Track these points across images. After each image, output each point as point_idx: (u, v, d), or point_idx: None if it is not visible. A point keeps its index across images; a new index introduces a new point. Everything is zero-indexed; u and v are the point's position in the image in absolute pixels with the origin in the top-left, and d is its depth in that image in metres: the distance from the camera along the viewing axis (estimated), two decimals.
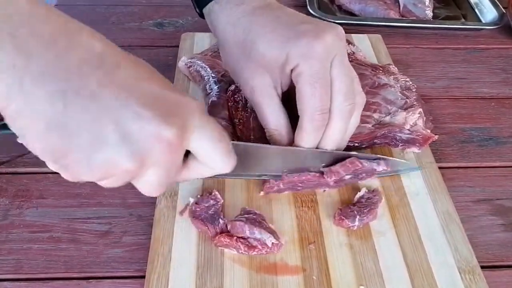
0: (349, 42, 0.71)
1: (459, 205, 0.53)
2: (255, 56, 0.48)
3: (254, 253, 0.46)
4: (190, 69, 0.65)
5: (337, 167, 0.50)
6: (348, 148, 0.53)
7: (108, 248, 0.48)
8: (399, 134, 0.56)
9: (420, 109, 0.59)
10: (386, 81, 0.62)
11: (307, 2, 0.83)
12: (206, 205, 0.49)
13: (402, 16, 0.85)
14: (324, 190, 0.52)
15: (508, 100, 0.69)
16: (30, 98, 0.31)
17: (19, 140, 0.34)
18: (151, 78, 0.36)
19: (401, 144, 0.57)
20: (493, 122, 0.65)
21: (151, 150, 0.34)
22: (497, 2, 0.87)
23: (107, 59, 0.34)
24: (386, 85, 0.62)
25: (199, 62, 0.65)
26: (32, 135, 0.33)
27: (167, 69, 0.70)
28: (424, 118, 0.59)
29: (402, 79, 0.64)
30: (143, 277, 0.45)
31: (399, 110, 0.59)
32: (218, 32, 0.52)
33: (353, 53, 0.69)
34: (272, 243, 0.46)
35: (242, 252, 0.46)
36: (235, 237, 0.46)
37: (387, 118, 0.58)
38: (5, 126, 0.33)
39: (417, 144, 0.56)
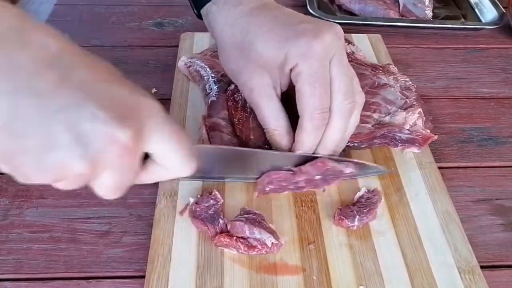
0: (349, 42, 0.71)
1: (459, 205, 0.53)
2: (254, 57, 0.48)
3: (254, 253, 0.46)
4: (190, 69, 0.65)
5: (307, 167, 0.50)
6: (347, 148, 0.53)
7: (108, 248, 0.48)
8: (398, 134, 0.56)
9: (420, 109, 0.59)
10: (386, 81, 0.62)
11: (307, 2, 0.83)
12: (206, 205, 0.49)
13: (402, 16, 0.85)
14: (324, 190, 0.52)
15: (508, 100, 0.69)
16: None
17: None
18: (109, 79, 0.35)
19: (400, 144, 0.57)
20: (492, 122, 0.65)
21: (105, 152, 0.33)
22: (497, 2, 0.87)
23: (63, 59, 0.33)
24: (386, 85, 0.62)
25: (198, 62, 0.65)
26: None
27: (166, 69, 0.71)
28: (424, 118, 0.59)
29: (402, 79, 0.64)
30: (143, 277, 0.45)
31: (399, 110, 0.59)
32: (216, 33, 0.52)
33: (353, 53, 0.69)
34: (272, 243, 0.46)
35: (242, 252, 0.46)
36: (235, 237, 0.46)
37: (387, 118, 0.58)
38: None
39: (416, 144, 0.57)
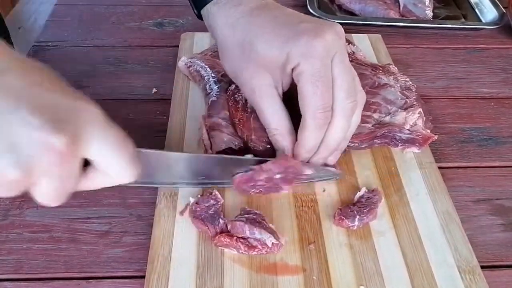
0: (349, 42, 0.71)
1: (459, 205, 0.53)
2: (255, 57, 0.48)
3: (254, 253, 0.46)
4: (190, 69, 0.65)
5: (268, 164, 0.49)
6: (347, 148, 0.53)
7: (108, 248, 0.48)
8: (399, 134, 0.56)
9: (420, 109, 0.59)
10: (386, 81, 0.62)
11: (307, 2, 0.83)
12: (206, 205, 0.49)
13: (402, 16, 0.85)
14: (324, 190, 0.52)
15: (508, 100, 0.69)
16: None
17: None
18: (44, 83, 0.35)
19: (400, 144, 0.57)
20: (492, 122, 0.65)
21: (39, 159, 0.32)
22: (497, 2, 0.87)
23: None
24: (386, 85, 0.62)
25: (199, 62, 0.65)
26: None
27: (167, 69, 0.71)
28: (424, 118, 0.59)
29: (402, 79, 0.64)
30: (143, 277, 0.45)
31: (399, 110, 0.59)
32: (217, 33, 0.52)
33: (353, 53, 0.69)
34: (272, 243, 0.46)
35: (242, 252, 0.46)
36: (235, 237, 0.46)
37: (387, 118, 0.58)
38: None
39: (416, 144, 0.57)
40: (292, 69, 0.47)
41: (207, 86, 0.62)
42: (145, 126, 0.61)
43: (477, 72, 0.75)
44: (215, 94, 0.60)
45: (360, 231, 0.49)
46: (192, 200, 0.50)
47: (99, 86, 0.68)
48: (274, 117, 0.50)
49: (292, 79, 0.48)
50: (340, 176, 0.53)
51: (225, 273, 0.45)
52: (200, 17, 0.55)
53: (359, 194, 0.52)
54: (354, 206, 0.50)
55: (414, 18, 0.85)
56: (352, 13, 0.87)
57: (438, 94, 0.70)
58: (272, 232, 0.46)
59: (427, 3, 0.85)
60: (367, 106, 0.57)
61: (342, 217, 0.48)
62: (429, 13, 0.85)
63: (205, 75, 0.63)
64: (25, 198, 0.52)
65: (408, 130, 0.57)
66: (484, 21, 0.85)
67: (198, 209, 0.48)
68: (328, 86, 0.46)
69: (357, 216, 0.48)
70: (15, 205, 0.51)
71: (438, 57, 0.77)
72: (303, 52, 0.46)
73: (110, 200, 0.52)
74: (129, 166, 0.38)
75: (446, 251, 0.47)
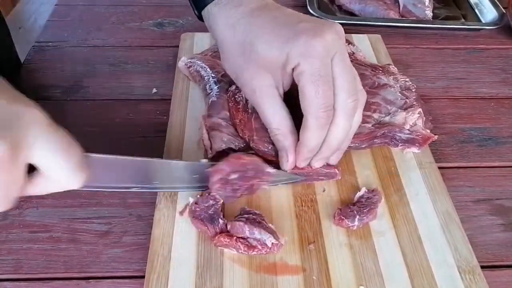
0: (349, 42, 0.71)
1: (459, 205, 0.53)
2: (255, 57, 0.48)
3: (254, 253, 0.46)
4: (190, 69, 0.65)
5: (220, 165, 0.49)
6: (347, 148, 0.53)
7: (108, 248, 0.48)
8: (398, 134, 0.57)
9: (420, 109, 0.59)
10: (386, 81, 0.62)
11: (307, 2, 0.83)
12: (206, 205, 0.49)
13: (402, 16, 0.85)
14: (324, 190, 0.52)
15: (508, 100, 0.69)
16: None
17: None
18: None
19: (400, 144, 0.57)
20: (492, 122, 0.65)
21: None
22: (497, 2, 0.87)
23: None
24: (386, 85, 0.62)
25: (199, 62, 0.65)
26: None
27: (167, 69, 0.71)
28: (424, 118, 0.59)
29: (402, 79, 0.64)
30: (143, 277, 0.45)
31: (399, 110, 0.59)
32: (217, 34, 0.52)
33: (353, 53, 0.69)
34: (272, 243, 0.46)
35: (241, 252, 0.46)
36: (234, 237, 0.46)
37: (387, 118, 0.58)
38: None
39: (416, 144, 0.57)
40: (293, 69, 0.47)
41: (207, 86, 0.62)
42: (145, 126, 0.61)
43: (477, 72, 0.75)
44: (215, 94, 0.60)
45: (360, 231, 0.49)
46: (191, 200, 0.50)
47: (99, 86, 0.68)
48: (276, 117, 0.50)
49: (293, 79, 0.48)
50: (301, 180, 0.53)
51: (224, 273, 0.45)
52: (200, 18, 0.55)
53: (359, 194, 0.52)
54: (354, 206, 0.50)
55: (414, 18, 0.85)
56: (352, 14, 0.87)
57: (438, 94, 0.70)
58: (272, 232, 0.46)
59: (427, 3, 0.85)
60: (367, 106, 0.57)
61: (342, 217, 0.48)
62: (429, 13, 0.85)
63: (205, 75, 0.63)
64: (25, 198, 0.52)
65: (408, 130, 0.57)
66: (484, 22, 0.85)
67: (197, 209, 0.48)
68: (329, 85, 0.46)
69: (357, 216, 0.48)
70: (15, 205, 0.51)
71: (438, 57, 0.77)
72: (302, 52, 0.46)
73: (110, 200, 0.52)
74: (75, 172, 0.37)
75: (446, 251, 0.47)
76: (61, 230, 0.50)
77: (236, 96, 0.58)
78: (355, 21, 0.83)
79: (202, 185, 0.50)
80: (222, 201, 0.50)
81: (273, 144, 0.52)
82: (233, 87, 0.59)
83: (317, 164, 0.51)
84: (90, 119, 0.62)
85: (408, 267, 0.46)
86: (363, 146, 0.57)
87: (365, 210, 0.49)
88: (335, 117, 0.48)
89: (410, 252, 0.47)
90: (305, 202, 0.51)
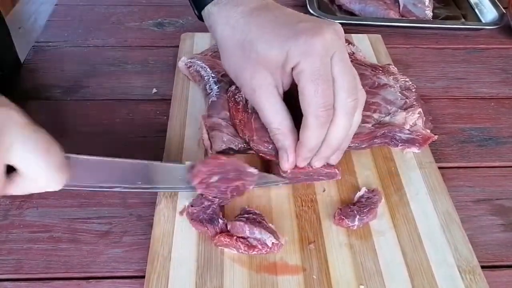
0: (349, 42, 0.71)
1: (459, 205, 0.53)
2: (255, 57, 0.48)
3: (254, 252, 0.46)
4: (190, 69, 0.65)
5: (199, 167, 0.48)
6: (347, 148, 0.53)
7: (108, 248, 0.48)
8: (398, 134, 0.57)
9: (420, 109, 0.59)
10: (386, 81, 0.62)
11: (307, 2, 0.83)
12: (202, 206, 0.49)
13: (402, 16, 0.85)
14: (324, 190, 0.53)
15: (508, 100, 0.69)
16: None
17: None
18: None
19: (400, 144, 0.57)
20: (492, 122, 0.65)
21: None
22: (497, 2, 0.87)
23: None
24: (386, 85, 0.62)
25: (199, 62, 0.65)
26: None
27: (167, 69, 0.71)
28: (424, 118, 0.59)
29: (402, 79, 0.64)
30: (143, 277, 0.45)
31: (399, 110, 0.59)
32: (217, 34, 0.52)
33: (353, 53, 0.69)
34: (272, 242, 0.46)
35: (242, 252, 0.46)
36: (235, 237, 0.46)
37: (387, 118, 0.58)
38: None
39: (416, 144, 0.57)
40: (292, 69, 0.47)
41: (207, 86, 0.62)
42: (145, 126, 0.61)
43: (477, 72, 0.75)
44: (215, 94, 0.60)
45: (360, 230, 0.49)
46: (187, 203, 0.50)
47: (99, 86, 0.68)
48: (275, 117, 0.50)
49: (293, 79, 0.48)
50: (283, 183, 0.52)
51: (225, 273, 0.45)
52: (200, 18, 0.55)
53: (359, 194, 0.52)
54: (354, 206, 0.50)
55: (414, 18, 0.85)
56: (352, 13, 0.87)
57: (438, 94, 0.70)
58: (272, 232, 0.46)
59: (427, 3, 0.85)
60: (367, 106, 0.57)
61: (342, 217, 0.48)
62: (429, 13, 0.85)
63: (205, 75, 0.63)
64: (25, 198, 0.52)
65: (408, 130, 0.57)
66: (484, 21, 0.85)
67: (194, 211, 0.48)
68: (328, 84, 0.46)
69: (357, 216, 0.48)
70: (15, 205, 0.51)
71: (438, 57, 0.77)
72: (302, 51, 0.46)
73: (110, 200, 0.52)
74: (55, 173, 0.37)
75: (446, 251, 0.47)
76: (62, 230, 0.50)
77: (236, 96, 0.58)
78: (355, 21, 0.83)
79: (188, 186, 0.50)
80: (217, 200, 0.49)
81: (273, 144, 0.52)
82: (233, 87, 0.59)
83: (317, 163, 0.51)
84: (90, 119, 0.62)
85: (408, 266, 0.46)
86: (363, 146, 0.57)
87: (365, 210, 0.49)
88: (335, 117, 0.48)
89: (410, 252, 0.47)
90: (305, 202, 0.51)
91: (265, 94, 0.49)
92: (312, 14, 0.80)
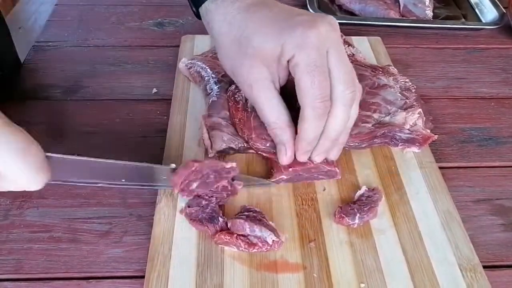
0: (348, 44, 0.71)
1: (459, 205, 0.53)
2: (252, 52, 0.48)
3: (255, 250, 0.46)
4: (191, 70, 0.65)
5: (179, 170, 0.47)
6: (348, 148, 0.53)
7: (108, 248, 0.48)
8: (399, 134, 0.57)
9: (420, 109, 0.59)
10: (386, 81, 0.63)
11: (307, 2, 0.84)
12: (200, 205, 0.49)
13: (402, 16, 0.86)
14: (324, 189, 0.53)
15: (508, 100, 0.69)
16: None
17: None
18: None
19: (401, 143, 0.57)
20: (492, 122, 0.65)
21: None
22: (497, 2, 0.87)
23: None
24: (386, 86, 0.62)
25: (199, 63, 0.65)
26: None
27: (167, 69, 0.71)
28: (424, 118, 0.59)
29: (402, 80, 0.64)
30: (143, 277, 0.45)
31: (399, 110, 0.59)
32: (214, 31, 0.52)
33: (353, 54, 0.69)
34: (273, 240, 0.46)
35: (242, 250, 0.46)
36: (235, 235, 0.46)
37: (387, 118, 0.58)
38: None
39: (417, 144, 0.57)
40: (288, 62, 0.47)
41: (208, 87, 0.62)
42: (145, 126, 0.61)
43: (477, 72, 0.75)
44: (215, 94, 0.60)
45: (361, 229, 0.49)
46: (184, 204, 0.50)
47: (99, 86, 0.68)
48: (273, 111, 0.50)
49: (289, 73, 0.48)
50: (270, 184, 0.52)
51: (225, 271, 0.45)
52: (198, 15, 0.55)
53: (359, 192, 0.52)
54: (354, 204, 0.50)
55: (414, 18, 0.85)
56: (352, 13, 0.87)
57: (438, 94, 0.70)
58: (273, 230, 0.46)
59: (427, 3, 0.85)
60: (367, 106, 0.58)
61: (343, 215, 0.48)
62: (429, 13, 0.85)
63: (205, 76, 0.63)
64: (25, 198, 0.52)
65: (408, 130, 0.57)
66: (484, 21, 0.85)
67: (192, 211, 0.48)
68: (324, 76, 0.46)
69: (358, 214, 0.48)
70: (15, 205, 0.51)
71: (438, 57, 0.77)
72: (297, 43, 0.46)
73: (111, 200, 0.52)
74: (35, 173, 0.37)
75: (447, 249, 0.47)
76: (62, 230, 0.49)
77: (236, 96, 0.58)
78: (355, 21, 0.83)
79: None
80: (214, 199, 0.49)
81: (271, 141, 0.52)
82: (233, 86, 0.59)
83: (317, 158, 0.51)
84: (90, 119, 0.62)
85: (409, 263, 0.46)
86: (363, 145, 0.57)
87: (365, 209, 0.49)
88: (333, 108, 0.48)
89: (411, 249, 0.47)
90: (306, 201, 0.51)
91: (262, 88, 0.49)
92: None
